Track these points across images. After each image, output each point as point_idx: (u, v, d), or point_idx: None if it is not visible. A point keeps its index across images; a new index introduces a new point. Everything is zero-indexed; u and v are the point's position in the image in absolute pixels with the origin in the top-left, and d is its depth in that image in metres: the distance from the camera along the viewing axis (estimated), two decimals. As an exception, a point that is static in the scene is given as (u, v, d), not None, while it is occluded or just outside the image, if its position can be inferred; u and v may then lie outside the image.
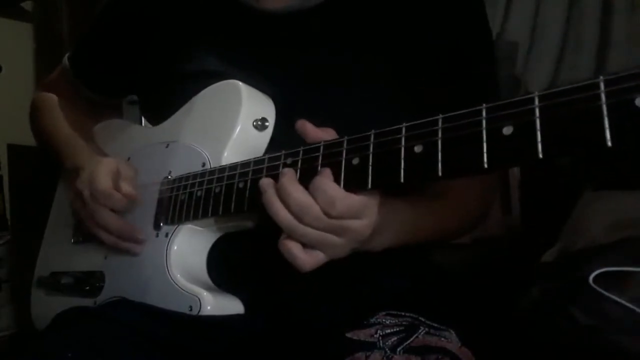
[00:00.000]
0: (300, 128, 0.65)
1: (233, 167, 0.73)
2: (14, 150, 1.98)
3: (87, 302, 0.86)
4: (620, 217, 1.10)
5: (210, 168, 0.77)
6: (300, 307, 0.76)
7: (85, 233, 0.91)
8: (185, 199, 0.78)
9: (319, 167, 0.62)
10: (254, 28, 0.84)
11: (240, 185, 0.70)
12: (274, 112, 0.79)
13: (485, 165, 0.50)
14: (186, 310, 0.73)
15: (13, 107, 1.57)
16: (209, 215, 0.74)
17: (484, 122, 0.51)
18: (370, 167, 0.58)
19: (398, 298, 0.74)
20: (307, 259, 0.63)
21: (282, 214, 0.62)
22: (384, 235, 0.68)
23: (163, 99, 0.90)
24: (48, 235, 1.06)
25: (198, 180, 0.77)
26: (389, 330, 0.67)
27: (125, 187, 0.82)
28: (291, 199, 0.61)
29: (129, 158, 0.92)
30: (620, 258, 1.00)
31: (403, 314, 0.70)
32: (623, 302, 0.95)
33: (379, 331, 0.67)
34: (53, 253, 1.02)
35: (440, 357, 0.63)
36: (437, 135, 0.54)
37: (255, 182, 0.69)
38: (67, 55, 1.05)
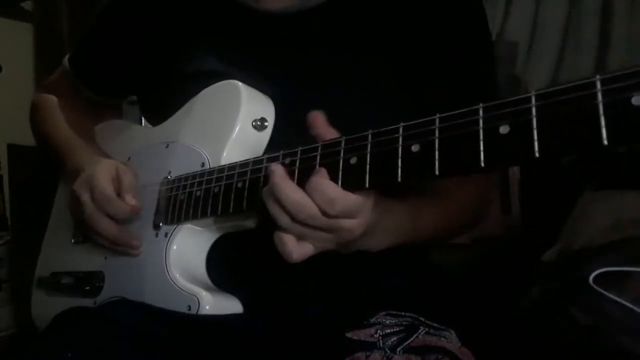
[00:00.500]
0: (312, 119, 0.65)
1: (232, 167, 0.73)
2: (14, 150, 1.98)
3: (87, 302, 0.86)
4: (620, 217, 1.10)
5: (210, 168, 0.77)
6: (299, 307, 0.76)
7: (85, 233, 0.92)
8: (185, 199, 0.78)
9: (317, 167, 0.62)
10: (253, 28, 0.84)
11: (239, 185, 0.70)
12: (274, 112, 0.79)
13: (482, 164, 0.50)
14: (185, 310, 0.73)
15: (13, 107, 1.57)
16: (208, 215, 0.74)
17: (480, 121, 0.51)
18: (368, 167, 0.58)
19: (398, 298, 0.74)
20: (296, 250, 0.63)
21: (275, 212, 0.62)
22: (378, 236, 0.68)
23: (163, 99, 0.90)
24: (48, 236, 1.06)
25: (197, 180, 0.77)
26: (389, 330, 0.67)
27: (129, 197, 0.82)
28: (284, 197, 0.61)
29: (129, 158, 0.92)
30: (620, 258, 1.00)
31: (403, 314, 0.70)
32: (623, 302, 0.95)
33: (379, 331, 0.67)
34: (53, 253, 1.02)
35: (440, 357, 0.63)
36: (434, 134, 0.54)
37: (253, 182, 0.69)
38: (67, 56, 1.05)
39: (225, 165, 0.74)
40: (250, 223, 0.75)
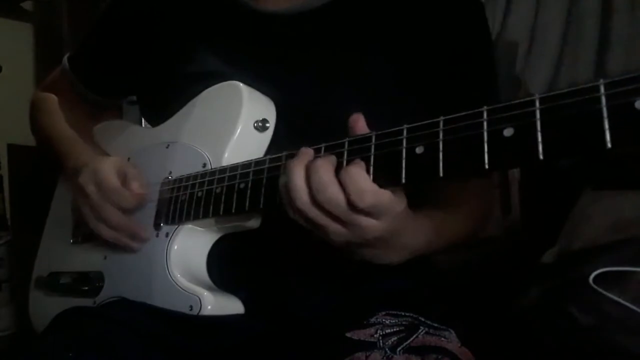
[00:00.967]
0: (354, 121, 0.63)
1: (234, 167, 0.73)
2: (14, 150, 1.98)
3: (86, 302, 0.86)
4: (620, 217, 1.10)
5: (211, 169, 0.77)
6: (300, 307, 0.77)
7: (84, 233, 0.91)
8: (186, 199, 0.78)
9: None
10: (255, 29, 0.84)
11: (241, 185, 0.70)
12: (275, 113, 0.79)
13: (486, 167, 0.50)
14: (186, 310, 0.74)
15: (13, 107, 1.57)
16: (210, 215, 0.74)
17: (485, 123, 0.51)
18: (371, 168, 0.58)
19: (398, 298, 0.74)
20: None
21: (296, 187, 0.60)
22: (393, 252, 0.66)
23: (163, 100, 0.90)
24: (46, 236, 1.05)
25: (199, 180, 0.77)
26: (389, 330, 0.67)
27: (136, 186, 0.82)
28: (316, 175, 0.59)
29: (129, 158, 0.92)
30: (620, 258, 1.00)
31: (403, 314, 0.70)
32: (623, 302, 0.95)
33: (379, 331, 0.67)
34: (52, 253, 1.01)
35: (440, 357, 0.64)
36: (438, 136, 0.54)
37: (256, 182, 0.69)
38: (66, 55, 1.05)
39: (227, 165, 0.74)
40: (251, 223, 0.75)
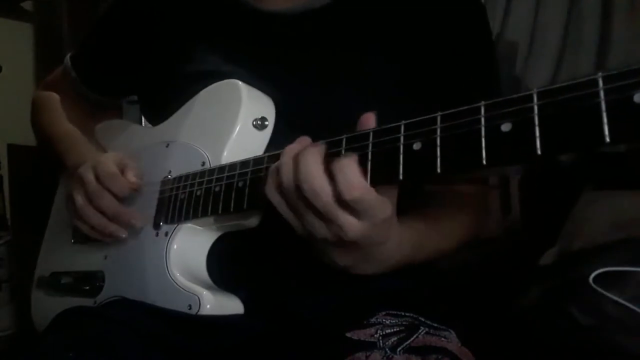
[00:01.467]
0: (364, 121, 0.61)
1: (233, 166, 0.73)
2: (14, 150, 1.98)
3: (87, 302, 0.86)
4: (620, 217, 1.10)
5: (210, 167, 0.77)
6: (299, 307, 0.76)
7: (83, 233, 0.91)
8: (185, 198, 0.78)
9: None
10: (256, 28, 0.84)
11: (240, 184, 0.70)
12: (274, 111, 0.79)
13: (484, 162, 0.50)
14: (186, 309, 0.73)
15: (13, 107, 1.57)
16: (209, 214, 0.74)
17: (482, 119, 0.51)
18: (369, 165, 0.58)
19: (398, 298, 0.74)
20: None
21: (283, 175, 0.59)
22: (376, 263, 0.66)
23: (164, 99, 0.90)
24: (48, 236, 1.06)
25: (198, 179, 0.77)
26: (389, 330, 0.67)
27: (131, 175, 0.83)
28: (303, 164, 0.58)
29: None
30: (620, 258, 1.00)
31: (403, 314, 0.70)
32: (623, 302, 0.95)
33: (379, 331, 0.67)
34: (53, 253, 1.02)
35: (440, 357, 0.63)
36: (435, 132, 0.54)
37: (255, 181, 0.69)
38: (69, 55, 1.05)
39: (226, 164, 0.74)
40: (251, 222, 0.75)
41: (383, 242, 0.63)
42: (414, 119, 0.56)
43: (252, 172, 0.69)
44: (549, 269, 1.14)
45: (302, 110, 0.78)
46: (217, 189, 0.73)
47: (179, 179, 0.81)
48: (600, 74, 0.44)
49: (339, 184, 0.56)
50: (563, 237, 1.18)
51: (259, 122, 0.78)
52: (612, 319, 0.95)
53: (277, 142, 0.77)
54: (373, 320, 0.69)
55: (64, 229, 0.99)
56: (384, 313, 0.70)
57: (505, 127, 0.49)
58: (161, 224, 0.81)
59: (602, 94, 0.44)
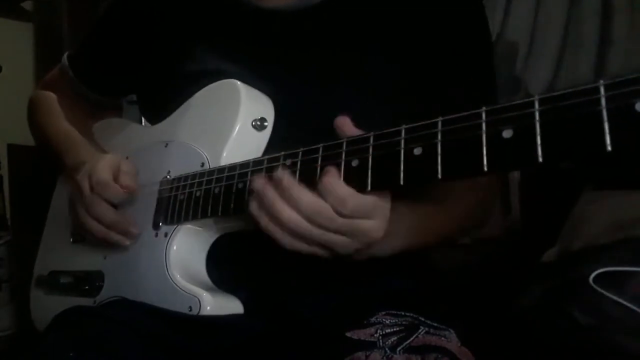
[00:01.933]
0: (340, 123, 0.63)
1: (232, 167, 0.72)
2: (14, 150, 1.97)
3: (87, 301, 0.86)
4: (620, 217, 1.10)
5: (210, 168, 0.77)
6: (299, 307, 0.76)
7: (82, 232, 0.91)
8: (185, 199, 0.78)
9: (319, 169, 0.62)
10: (255, 27, 0.84)
11: (240, 185, 0.70)
12: (273, 111, 0.79)
13: (485, 169, 0.50)
14: (186, 311, 0.73)
15: (13, 107, 1.57)
16: (208, 215, 0.74)
17: (483, 125, 0.51)
18: (369, 169, 0.58)
19: (398, 298, 0.74)
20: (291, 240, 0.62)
21: (287, 215, 0.60)
22: (391, 241, 0.68)
23: (163, 99, 0.90)
24: (46, 235, 1.05)
25: (197, 180, 0.77)
26: (389, 330, 0.67)
27: (125, 179, 0.82)
28: (301, 202, 0.60)
29: (128, 157, 0.91)
30: (620, 258, 1.00)
31: (403, 313, 0.70)
32: (623, 302, 0.95)
33: (379, 331, 0.67)
34: (52, 252, 1.02)
35: (440, 356, 0.64)
36: (436, 137, 0.54)
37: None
38: (66, 53, 1.05)
39: (225, 165, 0.74)
40: (250, 223, 0.75)
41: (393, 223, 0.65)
42: (415, 124, 0.56)
43: (252, 173, 0.69)
44: (549, 269, 1.14)
45: (302, 110, 0.78)
46: (216, 190, 0.73)
47: (178, 179, 0.81)
48: (601, 81, 0.44)
49: (333, 204, 0.59)
50: (563, 237, 1.18)
51: (258, 122, 0.78)
52: (612, 319, 0.95)
53: (277, 142, 0.77)
54: (373, 319, 0.69)
55: (62, 228, 0.98)
56: (384, 313, 0.70)
57: (507, 133, 0.49)
58: (160, 224, 0.81)
59: (603, 101, 0.44)
